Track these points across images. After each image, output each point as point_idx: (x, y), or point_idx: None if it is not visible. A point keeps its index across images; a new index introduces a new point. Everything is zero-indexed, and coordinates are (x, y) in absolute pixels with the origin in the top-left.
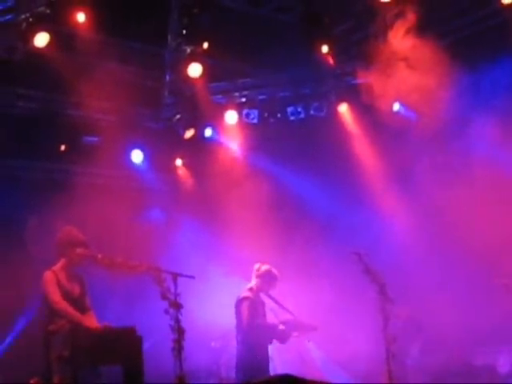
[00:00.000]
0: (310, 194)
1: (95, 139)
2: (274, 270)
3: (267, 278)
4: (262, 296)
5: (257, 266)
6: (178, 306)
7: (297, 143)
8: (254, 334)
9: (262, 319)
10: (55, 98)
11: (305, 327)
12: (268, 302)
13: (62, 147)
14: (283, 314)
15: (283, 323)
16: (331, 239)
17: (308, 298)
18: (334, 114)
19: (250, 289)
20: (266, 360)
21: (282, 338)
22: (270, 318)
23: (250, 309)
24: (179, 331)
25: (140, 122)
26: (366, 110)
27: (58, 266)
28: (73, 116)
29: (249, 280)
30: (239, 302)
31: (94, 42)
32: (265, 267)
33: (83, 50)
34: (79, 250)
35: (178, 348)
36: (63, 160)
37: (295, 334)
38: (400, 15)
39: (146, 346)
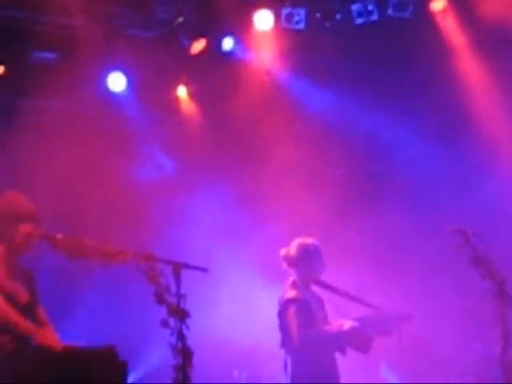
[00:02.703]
0: (388, 135)
1: (52, 56)
2: (310, 241)
3: (307, 260)
4: (314, 288)
5: (283, 251)
6: (182, 315)
7: (367, 60)
8: (313, 349)
9: (323, 325)
10: None
11: (394, 318)
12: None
13: (1, 68)
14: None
15: (358, 321)
16: (420, 206)
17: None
18: (425, 14)
19: (293, 284)
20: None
21: (362, 345)
22: (335, 319)
23: (300, 314)
24: (184, 353)
25: (121, 29)
26: (477, 9)
27: None
28: (17, 20)
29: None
30: (283, 308)
31: None
32: (294, 245)
33: None
34: (27, 228)
35: (183, 379)
36: (1, 87)
37: (378, 330)
38: None
39: (132, 376)
